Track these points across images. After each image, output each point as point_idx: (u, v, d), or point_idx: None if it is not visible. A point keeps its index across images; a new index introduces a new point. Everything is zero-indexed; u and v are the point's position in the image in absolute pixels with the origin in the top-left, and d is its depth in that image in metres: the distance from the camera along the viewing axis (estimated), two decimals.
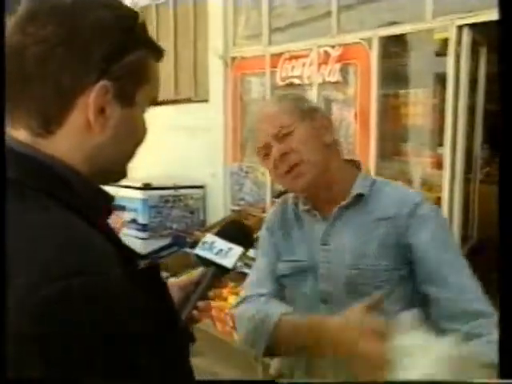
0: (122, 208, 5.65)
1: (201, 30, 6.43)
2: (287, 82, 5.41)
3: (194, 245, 5.09)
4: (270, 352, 1.45)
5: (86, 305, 0.68)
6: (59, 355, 0.67)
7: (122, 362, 0.71)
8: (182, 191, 6.01)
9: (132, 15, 0.87)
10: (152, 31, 7.28)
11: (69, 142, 0.83)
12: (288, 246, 1.58)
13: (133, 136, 0.91)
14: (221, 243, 1.18)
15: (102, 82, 0.82)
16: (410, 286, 1.41)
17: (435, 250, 1.38)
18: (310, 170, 1.44)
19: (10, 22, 0.83)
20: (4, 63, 0.80)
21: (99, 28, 0.82)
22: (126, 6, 0.88)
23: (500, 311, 0.88)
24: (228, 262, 1.15)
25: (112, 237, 0.84)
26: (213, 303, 4.10)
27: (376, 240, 1.43)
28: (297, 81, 5.31)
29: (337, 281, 1.45)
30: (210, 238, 1.19)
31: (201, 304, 1.12)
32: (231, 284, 4.34)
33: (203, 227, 5.81)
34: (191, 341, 1.02)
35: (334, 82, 4.99)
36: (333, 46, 4.91)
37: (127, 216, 5.69)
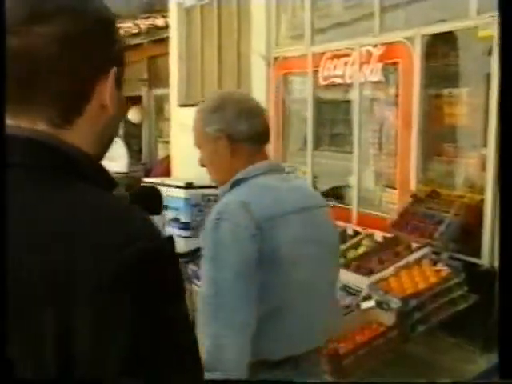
0: (165, 207, 5.72)
1: (244, 30, 6.48)
2: (329, 81, 5.39)
3: None
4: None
5: (169, 260, 0.79)
6: (149, 302, 0.75)
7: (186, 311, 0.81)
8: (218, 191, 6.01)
9: (109, 9, 0.93)
10: (196, 32, 7.37)
11: (86, 130, 0.88)
12: None
13: (122, 114, 0.99)
14: None
15: (113, 69, 0.89)
16: None
17: (204, 262, 1.61)
18: (213, 176, 1.80)
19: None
20: (4, 63, 0.82)
21: (106, 20, 0.89)
22: (102, 3, 0.94)
23: (500, 311, 0.88)
24: None
25: None
26: None
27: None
28: (338, 80, 5.28)
29: None
30: None
31: None
32: None
33: None
34: None
35: (375, 82, 4.94)
36: (375, 45, 4.87)
37: (170, 214, 5.74)
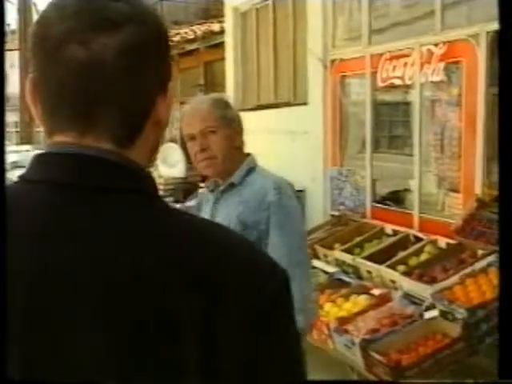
0: None
1: (300, 33, 6.40)
2: (388, 83, 5.24)
3: None
4: None
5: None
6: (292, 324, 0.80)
7: None
8: None
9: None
10: (252, 36, 7.34)
11: (143, 147, 0.81)
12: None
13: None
14: None
15: (171, 82, 0.83)
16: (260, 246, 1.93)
17: (272, 232, 1.97)
18: (218, 164, 2.04)
19: (52, 31, 0.74)
20: (4, 62, 0.78)
21: (165, 30, 0.82)
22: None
23: (500, 312, 0.88)
24: None
25: None
26: None
27: (234, 216, 1.99)
28: (398, 81, 5.13)
29: None
30: None
31: None
32: (328, 291, 4.24)
33: None
34: None
35: (437, 82, 4.77)
36: (436, 44, 4.70)
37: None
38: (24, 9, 17.86)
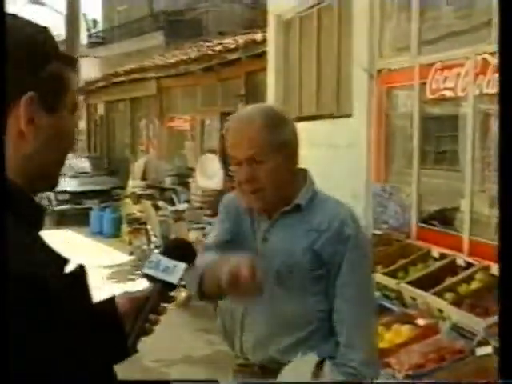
0: None
1: (345, 42, 6.15)
2: (438, 94, 4.90)
3: None
4: (204, 296, 1.81)
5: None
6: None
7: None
8: None
9: (41, 31, 0.97)
10: (294, 45, 7.11)
11: (9, 153, 0.89)
12: (238, 230, 1.88)
13: (61, 143, 0.99)
14: (166, 261, 1.30)
15: (28, 94, 0.91)
16: (326, 283, 1.78)
17: (345, 268, 1.75)
18: (268, 195, 1.76)
19: None
20: (4, 62, 0.86)
21: (18, 46, 0.91)
22: (34, 24, 0.97)
23: (500, 312, 0.92)
24: (173, 278, 1.29)
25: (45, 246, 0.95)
26: None
27: (304, 245, 1.76)
28: (449, 93, 4.79)
29: (268, 270, 1.73)
30: (155, 257, 1.33)
31: (152, 317, 1.28)
32: (384, 319, 3.89)
33: None
34: (133, 352, 1.23)
35: (493, 94, 4.41)
36: (492, 53, 4.34)
37: None
38: (72, 19, 18.06)
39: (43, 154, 0.95)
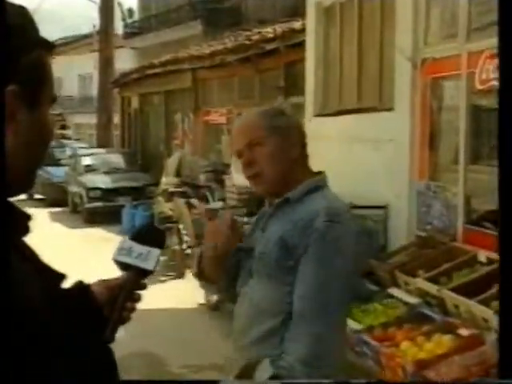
0: None
1: (388, 29, 6.04)
2: (488, 85, 4.75)
3: (367, 273, 4.70)
4: (202, 275, 2.20)
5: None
6: None
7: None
8: (360, 211, 5.59)
9: (20, 12, 0.91)
10: (335, 33, 7.02)
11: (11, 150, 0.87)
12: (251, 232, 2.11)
13: (42, 140, 0.96)
14: (138, 247, 1.33)
15: (11, 87, 0.87)
16: (295, 274, 1.83)
17: (304, 261, 1.81)
18: (267, 180, 1.91)
19: None
20: (5, 63, 0.85)
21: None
22: (11, 4, 0.90)
23: (500, 312, 1.01)
24: (149, 264, 1.31)
25: (30, 256, 0.94)
26: (384, 349, 3.64)
27: (278, 235, 1.87)
28: None
29: (255, 260, 1.94)
30: (126, 243, 1.35)
31: (128, 305, 1.30)
32: (406, 326, 3.82)
33: (383, 253, 5.37)
34: (110, 342, 1.20)
35: None
36: None
37: None
38: (106, 8, 18.28)
39: (22, 153, 0.92)
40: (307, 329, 1.77)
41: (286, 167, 1.92)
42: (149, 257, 1.31)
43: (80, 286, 1.25)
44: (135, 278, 1.31)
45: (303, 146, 1.98)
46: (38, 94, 0.93)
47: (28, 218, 0.95)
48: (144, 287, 1.34)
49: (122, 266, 1.32)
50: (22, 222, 0.94)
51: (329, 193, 1.96)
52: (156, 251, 1.32)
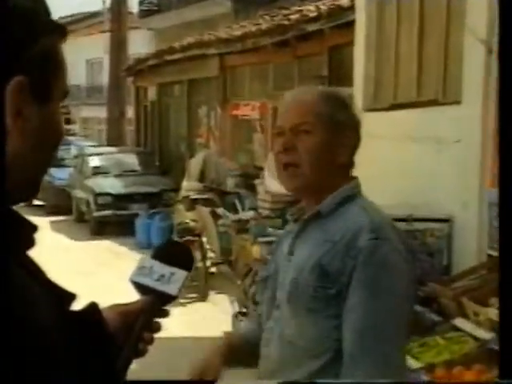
0: None
1: (456, 6, 6.02)
2: None
3: (427, 300, 4.65)
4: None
5: None
6: None
7: None
8: (420, 225, 5.70)
9: None
10: (391, 12, 7.03)
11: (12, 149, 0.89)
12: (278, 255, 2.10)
13: (51, 140, 0.99)
14: (161, 267, 1.32)
15: (17, 78, 0.88)
16: (340, 304, 1.80)
17: (353, 288, 1.76)
18: (304, 175, 1.86)
19: None
20: (5, 63, 0.87)
21: (10, 15, 0.88)
22: None
23: (500, 312, 1.16)
24: (172, 288, 1.30)
25: (36, 273, 0.95)
26: None
27: (313, 259, 1.84)
28: None
29: (285, 290, 1.90)
30: (148, 261, 1.34)
31: (146, 335, 1.29)
32: (477, 367, 3.75)
33: (447, 276, 5.40)
34: (122, 379, 1.21)
35: None
36: None
37: None
38: None
39: (29, 154, 0.94)
40: (362, 369, 1.73)
41: (328, 171, 1.90)
42: (172, 279, 1.30)
43: (92, 309, 1.25)
44: (155, 304, 1.30)
45: (354, 153, 1.95)
46: (49, 86, 0.95)
47: (34, 229, 0.97)
48: (166, 315, 1.33)
49: (141, 288, 1.32)
50: (27, 234, 0.96)
51: (366, 203, 1.93)
52: (182, 273, 1.32)
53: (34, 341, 0.85)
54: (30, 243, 0.96)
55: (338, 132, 1.88)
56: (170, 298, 1.30)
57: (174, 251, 1.38)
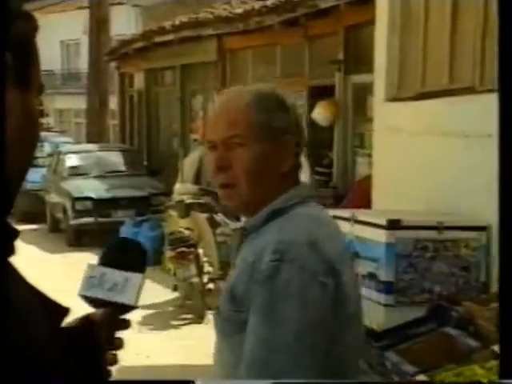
0: (356, 255, 5.48)
1: None
2: None
3: (462, 322, 4.66)
4: None
5: None
6: None
7: None
8: (452, 234, 5.72)
9: None
10: None
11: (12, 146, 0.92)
12: None
13: (35, 131, 1.02)
14: (112, 274, 1.33)
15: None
16: None
17: (253, 313, 1.80)
18: (241, 196, 1.91)
19: None
20: (5, 64, 0.92)
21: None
22: None
23: (500, 311, 1.34)
24: (129, 297, 1.30)
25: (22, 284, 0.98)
26: None
27: (231, 280, 1.94)
28: None
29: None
30: (96, 270, 1.35)
31: (109, 355, 1.30)
32: None
33: (485, 294, 5.40)
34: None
35: None
36: None
37: (362, 268, 5.59)
38: None
39: (14, 148, 0.97)
40: None
41: (269, 184, 1.92)
42: (128, 286, 1.31)
43: (86, 323, 1.28)
44: (113, 317, 1.30)
45: (298, 154, 1.97)
46: (28, 73, 0.99)
47: (15, 234, 1.01)
48: (126, 327, 1.33)
49: (94, 302, 1.32)
50: (8, 240, 1.00)
51: (293, 216, 1.91)
52: (137, 277, 1.33)
53: (23, 354, 0.89)
54: (11, 250, 0.99)
55: (275, 140, 1.90)
56: (128, 308, 1.31)
57: (124, 252, 1.38)
